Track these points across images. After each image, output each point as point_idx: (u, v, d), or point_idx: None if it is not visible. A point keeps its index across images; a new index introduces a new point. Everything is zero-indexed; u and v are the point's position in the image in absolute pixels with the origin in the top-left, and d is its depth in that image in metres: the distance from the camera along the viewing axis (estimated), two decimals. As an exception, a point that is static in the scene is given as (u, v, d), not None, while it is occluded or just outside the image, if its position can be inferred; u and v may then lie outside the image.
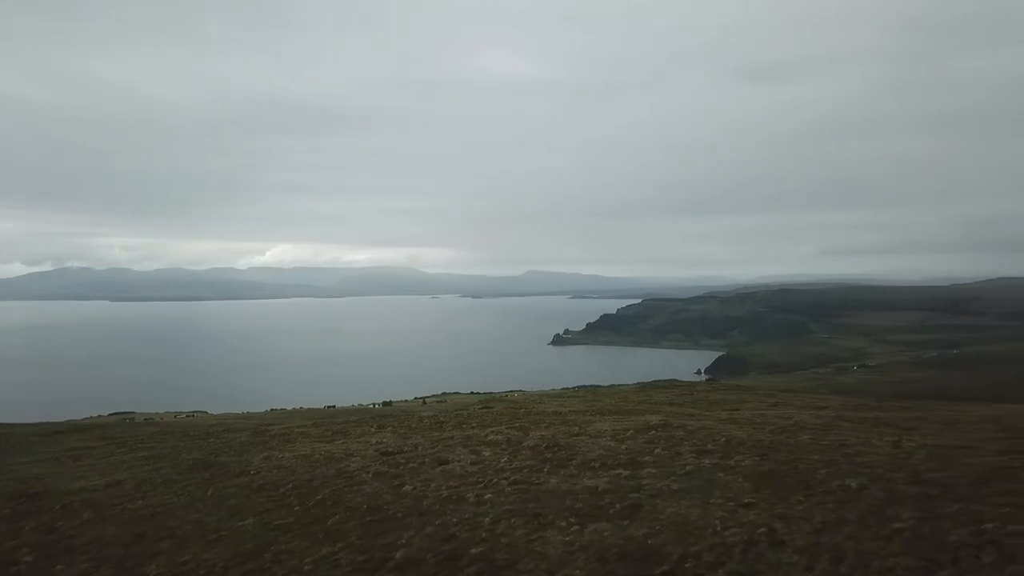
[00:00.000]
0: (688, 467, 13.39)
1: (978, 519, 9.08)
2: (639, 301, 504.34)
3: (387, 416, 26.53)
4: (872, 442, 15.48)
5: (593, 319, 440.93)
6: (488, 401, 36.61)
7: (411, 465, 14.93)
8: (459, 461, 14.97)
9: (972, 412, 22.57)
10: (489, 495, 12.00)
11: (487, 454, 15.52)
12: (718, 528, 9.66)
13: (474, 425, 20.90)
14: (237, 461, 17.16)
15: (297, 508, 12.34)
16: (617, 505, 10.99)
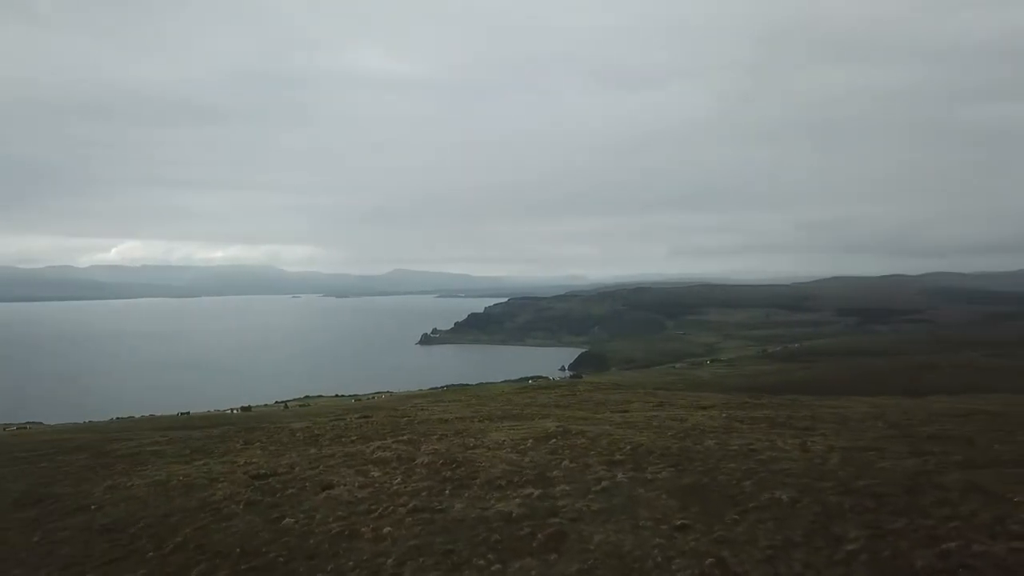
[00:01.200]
0: (603, 482, 12.28)
1: (933, 536, 8.43)
2: (505, 300, 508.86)
3: (253, 429, 24.03)
4: (779, 445, 15.04)
5: (461, 318, 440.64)
6: (365, 409, 34.47)
7: (289, 491, 12.97)
8: (346, 484, 13.17)
9: (855, 408, 23.05)
10: (388, 528, 10.35)
11: (377, 474, 13.80)
12: (659, 560, 8.53)
13: (354, 438, 19.02)
14: (74, 492, 14.48)
15: (151, 555, 10.15)
16: (538, 535, 9.66)
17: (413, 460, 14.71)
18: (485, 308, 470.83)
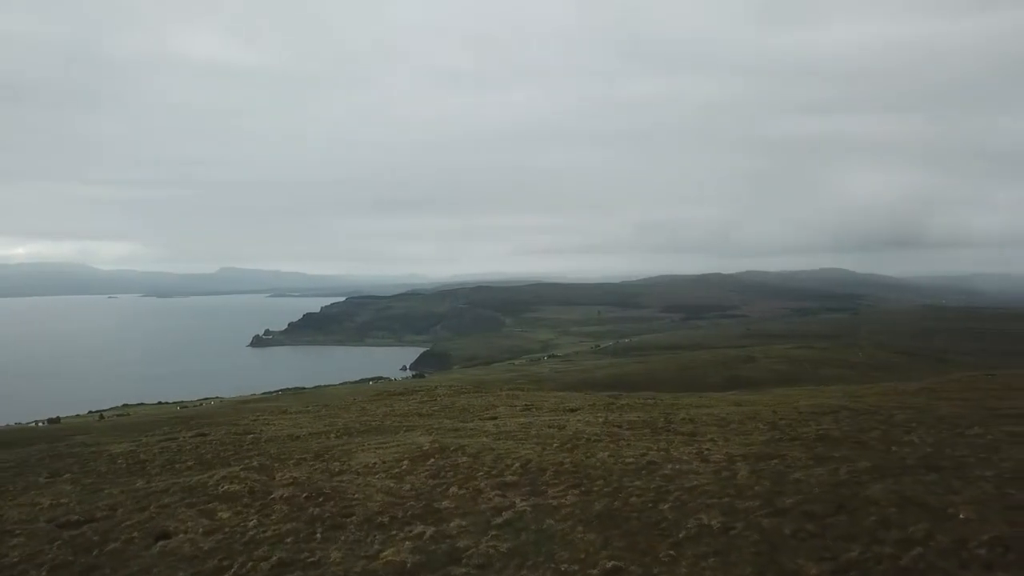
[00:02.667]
0: (504, 512, 10.62)
1: (902, 569, 7.48)
2: (343, 299, 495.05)
3: (61, 455, 20.15)
4: (675, 456, 14.07)
5: (296, 318, 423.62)
6: (195, 420, 30.69)
7: (111, 545, 10.26)
8: (186, 532, 10.64)
9: (722, 408, 22.85)
10: (249, 594, 8.12)
11: (226, 515, 11.34)
12: (605, 621, 6.98)
13: (191, 464, 16.19)
14: None
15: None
16: (448, 594, 7.82)
17: (269, 493, 12.33)
18: (322, 308, 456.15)
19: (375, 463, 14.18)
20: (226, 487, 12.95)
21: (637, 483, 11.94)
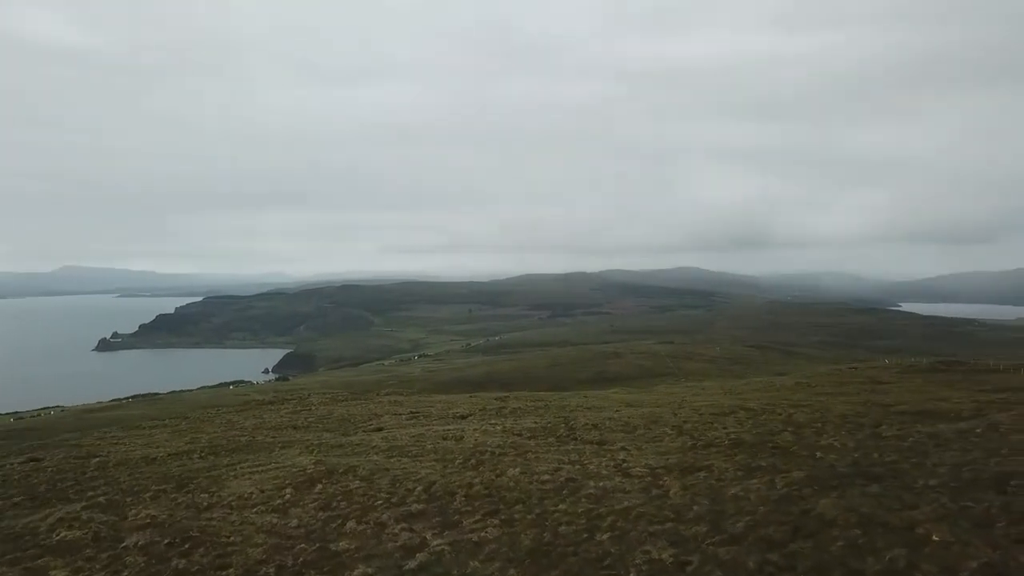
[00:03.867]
0: (417, 555, 8.95)
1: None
2: (200, 299, 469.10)
3: None
4: (593, 470, 12.85)
5: (147, 320, 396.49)
6: (30, 436, 26.69)
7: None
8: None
9: (613, 409, 22.03)
10: None
11: (62, 575, 9.03)
12: None
13: (19, 500, 13.37)
14: None
15: None
16: None
17: (120, 541, 10.06)
18: (176, 308, 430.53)
19: (252, 493, 12.09)
20: (63, 534, 10.51)
21: (562, 507, 10.60)
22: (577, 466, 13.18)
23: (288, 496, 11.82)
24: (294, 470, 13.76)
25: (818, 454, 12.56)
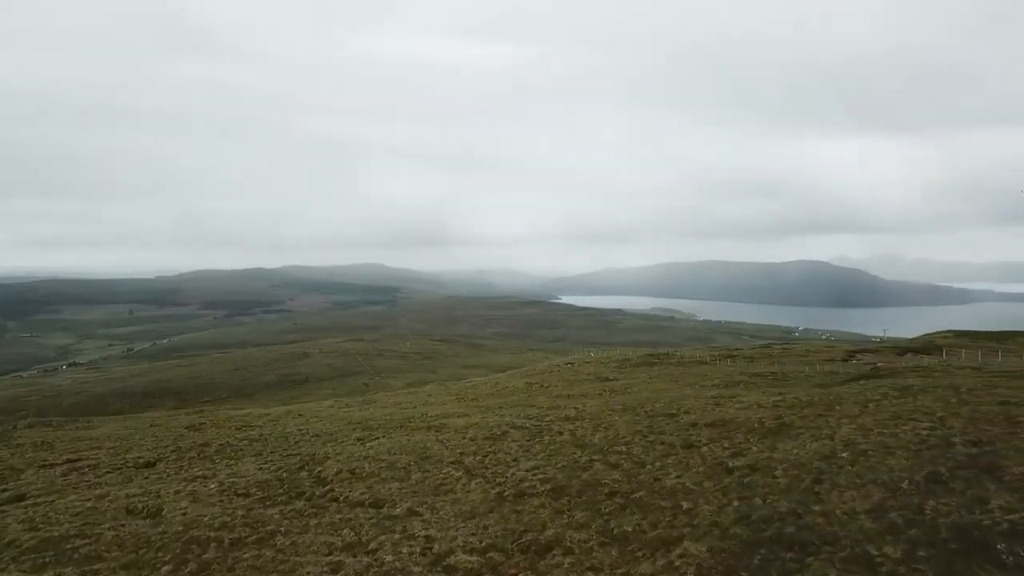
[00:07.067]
0: None
1: None
2: None
3: None
4: (396, 566, 8.59)
5: None
6: None
7: None
8: None
9: (355, 438, 17.52)
10: None
11: None
12: None
13: None
14: None
15: None
16: None
17: None
18: None
19: None
20: None
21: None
22: (364, 558, 8.82)
23: None
24: None
25: (683, 504, 9.67)
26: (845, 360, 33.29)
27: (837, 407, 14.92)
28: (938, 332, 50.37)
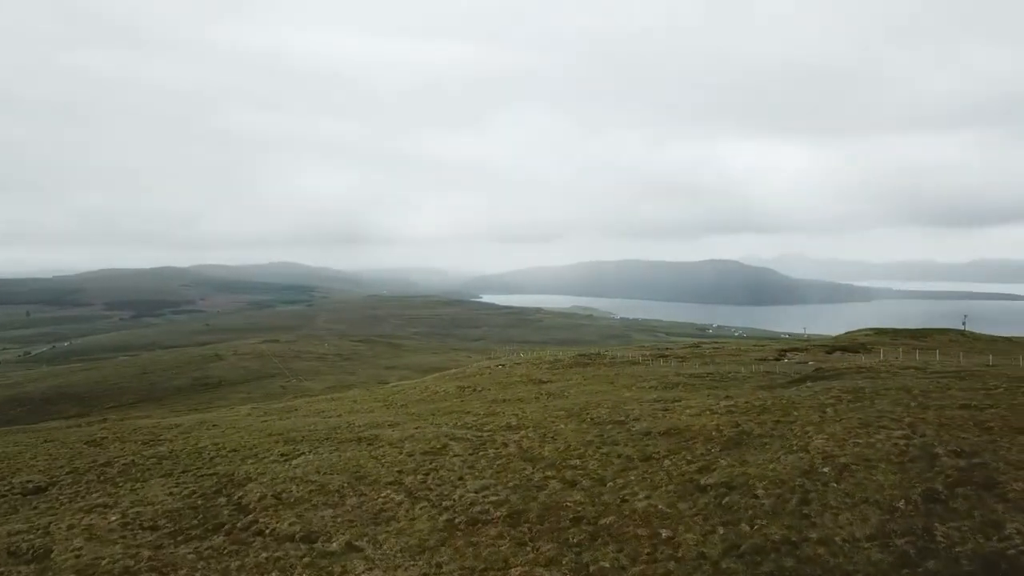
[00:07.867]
0: None
1: None
2: None
3: None
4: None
5: None
6: None
7: None
8: None
9: (277, 454, 15.84)
10: None
11: None
12: None
13: None
14: None
15: None
16: None
17: None
18: None
19: None
20: None
21: None
22: None
23: None
24: None
25: (662, 531, 8.64)
26: (777, 359, 33.34)
27: (794, 412, 14.27)
28: (859, 330, 51.62)
